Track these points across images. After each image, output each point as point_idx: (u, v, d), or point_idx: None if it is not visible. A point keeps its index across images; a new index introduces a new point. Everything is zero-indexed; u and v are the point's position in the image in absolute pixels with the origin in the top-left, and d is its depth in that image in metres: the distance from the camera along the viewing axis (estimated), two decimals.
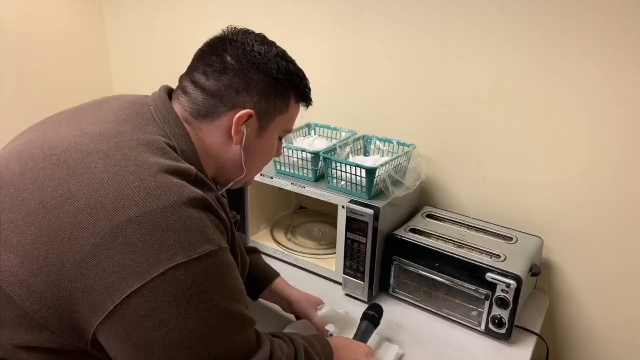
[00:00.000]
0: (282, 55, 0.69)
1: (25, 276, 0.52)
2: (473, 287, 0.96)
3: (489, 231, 1.09)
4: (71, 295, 0.51)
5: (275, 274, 0.97)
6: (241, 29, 0.69)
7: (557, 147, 1.04)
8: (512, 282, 0.90)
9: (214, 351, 0.54)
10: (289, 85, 0.70)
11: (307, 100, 0.75)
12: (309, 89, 0.74)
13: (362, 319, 0.92)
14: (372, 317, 0.92)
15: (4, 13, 1.51)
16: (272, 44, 0.70)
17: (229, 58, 0.65)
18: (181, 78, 0.70)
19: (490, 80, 1.08)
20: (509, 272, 0.91)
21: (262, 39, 0.69)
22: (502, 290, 0.92)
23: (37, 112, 1.62)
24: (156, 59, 1.71)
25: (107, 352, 0.54)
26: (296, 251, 1.20)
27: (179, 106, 0.67)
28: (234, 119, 0.65)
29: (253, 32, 0.70)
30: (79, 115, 0.65)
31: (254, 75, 0.66)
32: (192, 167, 0.59)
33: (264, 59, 0.66)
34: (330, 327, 0.91)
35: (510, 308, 0.92)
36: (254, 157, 0.72)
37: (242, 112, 0.65)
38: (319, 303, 0.96)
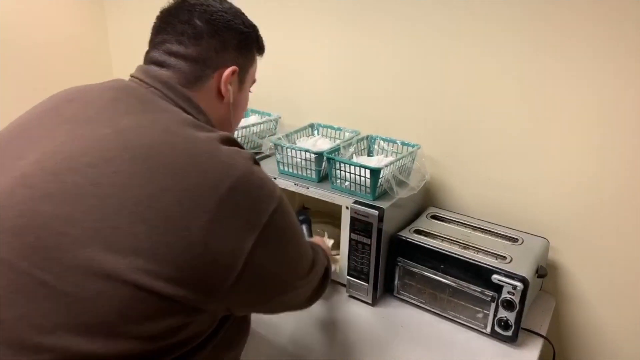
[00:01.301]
0: (239, 10, 0.74)
1: (155, 268, 0.50)
2: (479, 289, 0.95)
3: (495, 232, 1.08)
4: (203, 269, 0.53)
5: None
6: None
7: (564, 147, 1.02)
8: (519, 284, 0.89)
9: (306, 259, 0.69)
10: (253, 36, 0.75)
11: (263, 49, 0.79)
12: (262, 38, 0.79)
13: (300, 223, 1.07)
14: (306, 218, 1.15)
15: (5, 14, 1.50)
16: (227, 1, 0.73)
17: (198, 22, 0.67)
18: (151, 54, 0.69)
19: (496, 80, 1.07)
20: (515, 274, 0.90)
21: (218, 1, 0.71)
22: (509, 292, 0.91)
23: None
24: None
25: (229, 308, 0.59)
26: None
27: (169, 81, 0.66)
28: (223, 78, 0.69)
29: None
30: (77, 118, 0.60)
31: (226, 34, 0.69)
32: (225, 132, 0.62)
33: (231, 16, 0.70)
34: None
35: (516, 310, 0.91)
36: (237, 111, 0.76)
37: (228, 69, 0.69)
38: None
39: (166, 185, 0.52)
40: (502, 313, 0.93)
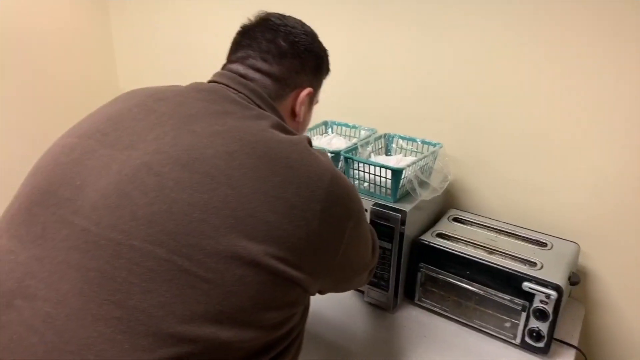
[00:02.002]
0: (316, 34, 0.77)
1: (285, 255, 0.53)
2: (508, 297, 0.89)
3: (521, 236, 1.02)
4: (317, 255, 0.58)
5: None
6: (275, 14, 0.74)
7: (593, 146, 0.97)
8: (553, 293, 0.83)
9: (372, 238, 0.76)
10: (326, 60, 0.79)
11: (329, 72, 0.83)
12: None
13: None
14: None
15: (7, 11, 1.45)
16: (306, 25, 0.76)
17: (282, 42, 0.70)
18: (233, 67, 0.70)
19: (522, 79, 1.01)
20: (548, 282, 0.85)
21: (299, 22, 0.76)
22: (541, 301, 0.85)
23: (41, 111, 1.58)
24: (163, 56, 1.64)
25: (320, 290, 0.65)
26: None
27: (258, 89, 0.69)
28: (299, 98, 0.73)
29: (288, 16, 0.75)
30: (179, 115, 0.60)
31: (306, 56, 0.73)
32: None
33: (310, 39, 0.74)
34: None
35: (550, 320, 0.85)
36: (302, 130, 0.80)
37: (305, 90, 0.73)
38: None
39: (286, 178, 0.55)
40: (534, 323, 0.87)
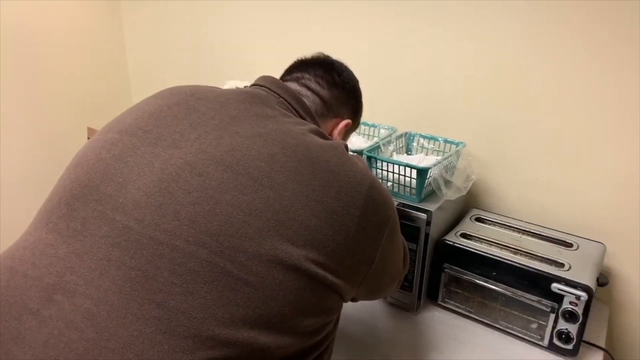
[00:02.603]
0: (359, 83, 0.84)
1: (324, 260, 0.53)
2: (536, 298, 0.88)
3: (546, 236, 1.01)
4: (354, 262, 0.57)
5: None
6: (336, 59, 0.81)
7: (619, 143, 0.95)
8: (583, 294, 0.82)
9: (404, 248, 0.75)
10: (360, 108, 0.85)
11: (358, 124, 0.89)
12: None
13: None
14: None
15: (18, 10, 1.43)
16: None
17: (336, 75, 0.76)
18: (286, 81, 0.74)
19: (545, 76, 0.99)
20: (578, 283, 0.83)
21: (349, 69, 0.82)
22: (571, 303, 0.84)
23: (51, 110, 1.57)
24: (176, 57, 1.63)
25: (355, 297, 0.64)
26: None
27: (302, 99, 0.71)
28: (340, 126, 0.77)
29: (343, 63, 0.82)
30: (220, 115, 0.59)
31: (350, 94, 0.79)
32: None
33: (356, 86, 0.82)
34: None
35: (579, 322, 0.84)
36: None
37: (345, 120, 0.78)
38: None
39: (327, 182, 0.55)
40: (563, 325, 0.86)
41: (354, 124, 0.83)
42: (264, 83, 0.69)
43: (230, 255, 0.48)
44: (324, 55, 0.81)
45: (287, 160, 0.54)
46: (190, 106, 0.60)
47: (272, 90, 0.67)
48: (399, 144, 1.11)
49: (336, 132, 0.77)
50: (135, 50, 1.75)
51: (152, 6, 1.63)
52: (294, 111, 0.66)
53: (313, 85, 0.74)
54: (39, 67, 1.53)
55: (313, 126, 0.63)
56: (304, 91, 0.73)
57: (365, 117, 1.19)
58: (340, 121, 0.77)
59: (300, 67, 0.77)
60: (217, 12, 1.47)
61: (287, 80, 0.75)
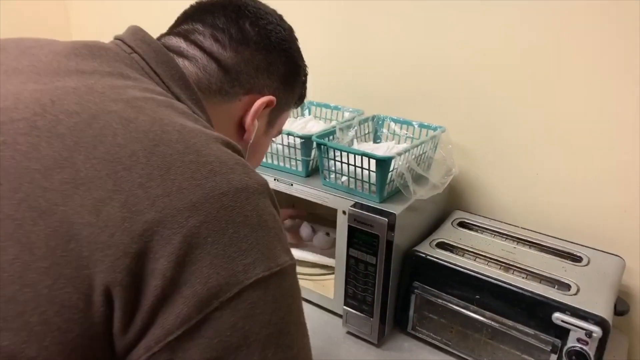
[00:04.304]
0: (297, 39, 0.58)
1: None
2: (532, 331, 0.67)
3: (548, 247, 0.79)
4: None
5: None
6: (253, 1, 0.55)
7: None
8: (596, 329, 0.61)
9: None
10: (302, 77, 0.59)
11: (303, 100, 0.64)
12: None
13: None
14: None
15: None
16: (286, 21, 0.57)
17: (248, 26, 0.52)
18: (168, 40, 0.51)
19: (546, 45, 0.78)
20: (589, 314, 0.62)
21: (277, 13, 0.56)
22: (579, 340, 0.63)
23: None
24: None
25: None
26: None
27: (178, 67, 0.48)
28: (255, 106, 0.52)
29: (268, 6, 0.56)
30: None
31: (277, 55, 0.54)
32: (237, 144, 0.42)
33: (289, 39, 0.56)
34: None
35: None
36: (253, 158, 0.59)
37: (263, 97, 0.53)
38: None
39: (88, 179, 0.35)
40: None
41: (287, 102, 0.58)
42: (122, 35, 0.48)
43: None
44: None
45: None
46: None
47: (125, 44, 0.46)
48: (364, 130, 0.90)
49: (249, 116, 0.53)
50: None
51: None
52: (156, 77, 0.45)
53: (208, 43, 0.50)
54: None
55: (170, 101, 0.42)
56: (191, 52, 0.50)
57: (326, 98, 0.99)
58: (257, 98, 0.53)
59: (195, 15, 0.53)
60: None
61: (172, 34, 0.52)
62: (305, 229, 0.95)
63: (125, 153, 0.34)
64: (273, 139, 0.65)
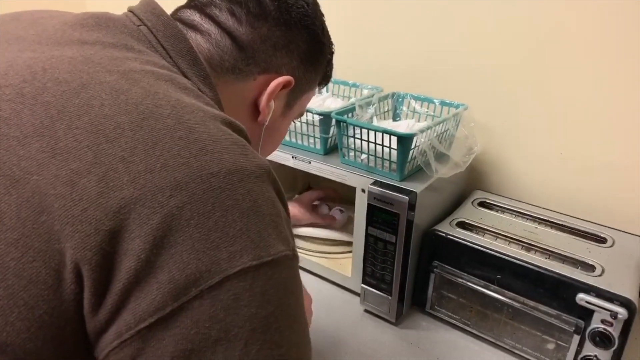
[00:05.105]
0: (322, 14, 0.54)
1: None
2: (554, 312, 0.65)
3: (570, 228, 0.78)
4: None
5: None
6: None
7: None
8: (621, 311, 0.60)
9: None
10: (326, 56, 0.56)
11: (329, 80, 0.61)
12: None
13: None
14: None
15: None
16: None
17: (268, 1, 0.49)
18: (183, 13, 0.49)
19: (573, 21, 0.75)
20: (614, 294, 0.61)
21: None
22: (603, 322, 0.61)
23: None
24: None
25: None
26: (301, 248, 0.90)
27: (192, 44, 0.46)
28: (270, 86, 0.49)
29: None
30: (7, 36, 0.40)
31: (297, 32, 0.50)
32: (241, 124, 0.40)
33: (312, 15, 0.52)
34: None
35: (614, 348, 0.61)
36: (269, 143, 0.57)
37: (281, 78, 0.50)
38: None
39: (68, 150, 0.33)
40: (591, 350, 0.63)
41: (308, 82, 0.55)
42: (134, 6, 0.46)
43: None
44: None
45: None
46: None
47: (135, 15, 0.44)
48: (384, 107, 0.88)
49: (264, 97, 0.50)
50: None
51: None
52: (162, 51, 0.43)
53: (224, 17, 0.47)
54: None
55: (173, 76, 0.40)
56: (205, 26, 0.47)
57: (345, 75, 0.97)
58: (273, 78, 0.50)
59: None
60: None
61: (188, 8, 0.49)
62: (322, 207, 0.94)
63: (110, 125, 0.32)
64: (294, 120, 0.63)
